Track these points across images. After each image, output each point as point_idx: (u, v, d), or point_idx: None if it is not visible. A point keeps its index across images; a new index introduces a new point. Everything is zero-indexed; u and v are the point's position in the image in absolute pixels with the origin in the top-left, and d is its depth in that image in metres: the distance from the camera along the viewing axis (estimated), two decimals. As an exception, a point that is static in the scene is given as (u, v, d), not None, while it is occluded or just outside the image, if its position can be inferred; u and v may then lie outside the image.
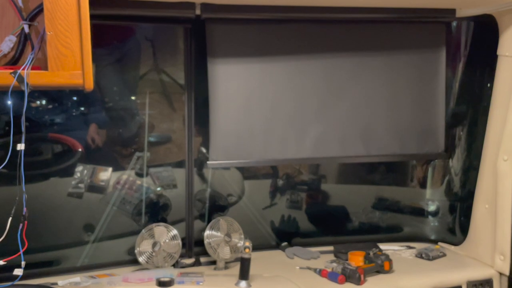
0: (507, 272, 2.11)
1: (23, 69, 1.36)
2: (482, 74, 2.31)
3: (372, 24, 2.19)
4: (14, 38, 1.49)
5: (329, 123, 2.20)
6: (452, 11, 2.17)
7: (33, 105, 2.27)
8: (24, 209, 1.40)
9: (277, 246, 2.47)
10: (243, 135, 2.13)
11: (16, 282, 1.49)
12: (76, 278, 1.97)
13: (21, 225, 1.39)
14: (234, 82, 2.09)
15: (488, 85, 2.23)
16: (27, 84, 1.34)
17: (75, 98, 2.36)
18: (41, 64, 1.46)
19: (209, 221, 2.25)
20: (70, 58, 1.37)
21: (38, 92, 2.26)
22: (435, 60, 2.26)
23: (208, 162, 2.16)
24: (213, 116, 2.11)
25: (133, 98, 2.46)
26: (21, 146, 1.35)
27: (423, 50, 2.25)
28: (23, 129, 1.36)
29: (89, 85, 1.39)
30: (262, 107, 2.14)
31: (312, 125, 2.19)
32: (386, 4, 2.05)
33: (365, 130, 2.23)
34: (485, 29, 2.20)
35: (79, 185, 2.30)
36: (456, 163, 2.50)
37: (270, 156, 2.18)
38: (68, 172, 2.32)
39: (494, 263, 2.16)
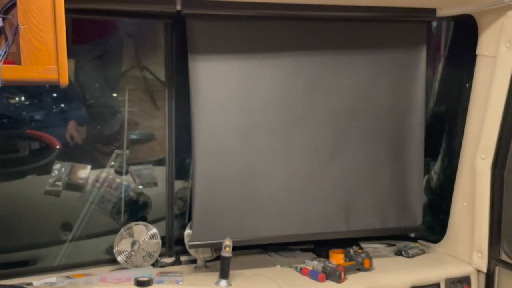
0: (484, 269, 2.14)
1: (-5, 63, 1.32)
2: (462, 74, 2.34)
3: (354, 22, 2.18)
4: (-13, 32, 1.45)
5: (313, 200, 2.20)
6: (433, 11, 2.19)
7: (11, 101, 2.22)
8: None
9: (258, 245, 2.45)
10: (227, 215, 2.09)
11: (-12, 283, 1.45)
12: (52, 278, 1.93)
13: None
14: (215, 82, 2.06)
15: (467, 85, 2.26)
16: (-2, 78, 1.30)
17: (54, 95, 2.31)
18: (15, 59, 1.42)
19: (189, 220, 2.23)
20: (44, 52, 1.33)
21: (15, 88, 2.21)
22: (415, 59, 2.27)
23: (190, 243, 2.09)
24: (197, 182, 2.05)
25: (114, 95, 2.43)
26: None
27: (404, 49, 2.26)
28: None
29: (64, 80, 1.36)
30: (245, 181, 2.10)
31: (296, 203, 2.18)
32: (368, 2, 2.06)
33: (347, 206, 2.25)
34: (465, 29, 2.23)
35: (57, 183, 2.26)
36: (435, 162, 2.53)
37: (255, 234, 2.15)
38: (46, 169, 2.28)
39: (472, 261, 2.19)
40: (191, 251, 2.16)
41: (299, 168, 2.18)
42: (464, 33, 2.26)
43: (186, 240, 2.16)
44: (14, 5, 1.43)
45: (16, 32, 1.40)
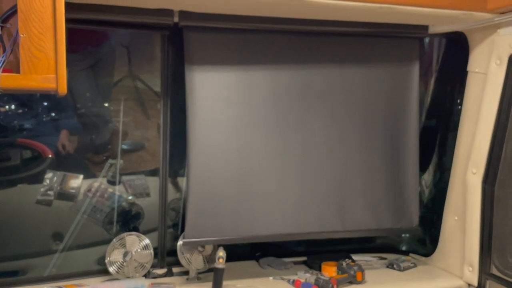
0: (475, 283, 2.16)
1: (-6, 71, 1.32)
2: (453, 89, 2.38)
3: (349, 37, 2.22)
4: (-15, 40, 1.45)
5: (308, 200, 2.21)
6: (425, 28, 2.23)
7: (2, 109, 2.21)
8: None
9: (251, 257, 2.45)
10: (221, 213, 2.09)
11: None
12: (42, 288, 1.91)
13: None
14: (212, 93, 2.07)
15: (458, 100, 2.30)
16: (-3, 87, 1.30)
17: (46, 103, 2.31)
18: (13, 67, 1.43)
19: (182, 231, 2.22)
20: (43, 62, 1.34)
21: (7, 96, 2.20)
22: (408, 73, 2.31)
23: (183, 240, 2.09)
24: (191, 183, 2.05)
25: (106, 104, 2.42)
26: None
27: (397, 64, 2.30)
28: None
29: (63, 89, 1.36)
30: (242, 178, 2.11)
31: (291, 203, 2.19)
32: (363, 18, 2.10)
33: (343, 206, 2.25)
34: (456, 46, 2.27)
35: (49, 192, 2.24)
36: (427, 176, 2.55)
37: (250, 233, 2.14)
38: (37, 178, 2.26)
39: (463, 274, 2.21)
40: (183, 262, 2.15)
41: (295, 169, 2.18)
42: (456, 50, 2.30)
43: (178, 251, 2.15)
44: (13, 14, 1.44)
45: (15, 42, 1.40)
